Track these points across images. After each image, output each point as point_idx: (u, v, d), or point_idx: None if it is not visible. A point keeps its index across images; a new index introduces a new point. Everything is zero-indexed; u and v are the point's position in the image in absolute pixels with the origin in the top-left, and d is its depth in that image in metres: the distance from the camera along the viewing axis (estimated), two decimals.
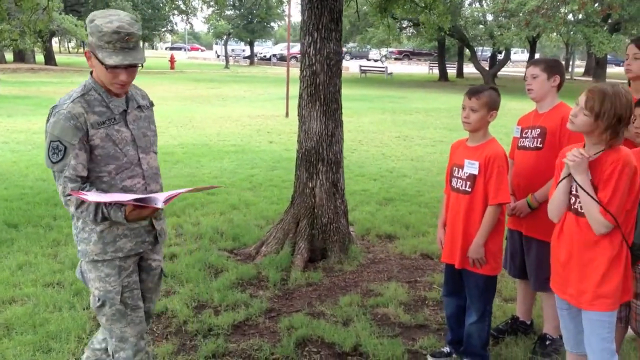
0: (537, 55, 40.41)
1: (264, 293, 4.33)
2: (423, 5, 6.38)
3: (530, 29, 22.50)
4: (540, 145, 3.31)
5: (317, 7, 4.75)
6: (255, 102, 19.64)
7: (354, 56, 55.68)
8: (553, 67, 3.32)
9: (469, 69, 39.78)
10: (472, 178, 3.11)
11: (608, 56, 30.72)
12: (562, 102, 3.38)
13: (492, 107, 3.12)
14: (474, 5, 30.66)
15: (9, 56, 39.85)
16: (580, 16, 23.54)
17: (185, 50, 75.87)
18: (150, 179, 2.57)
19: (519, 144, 3.48)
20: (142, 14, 43.93)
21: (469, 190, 3.13)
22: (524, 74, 3.55)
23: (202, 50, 79.42)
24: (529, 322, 3.78)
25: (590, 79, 32.03)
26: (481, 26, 29.98)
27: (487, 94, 3.11)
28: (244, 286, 4.44)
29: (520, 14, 21.70)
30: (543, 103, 3.38)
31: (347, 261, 4.94)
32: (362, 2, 6.76)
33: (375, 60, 52.05)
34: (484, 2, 29.95)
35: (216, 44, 62.44)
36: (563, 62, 53.36)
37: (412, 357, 3.45)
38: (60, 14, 26.34)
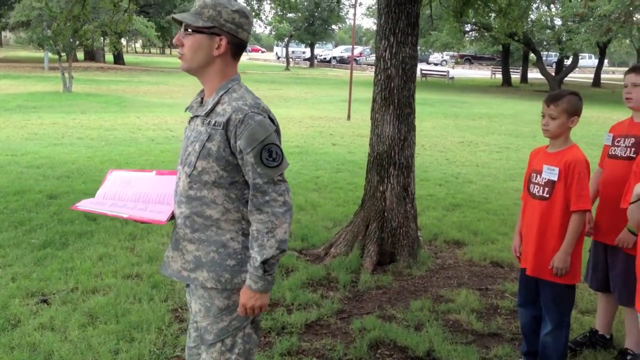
0: (606, 62, 39.03)
1: (335, 294, 4.37)
2: (498, 9, 6.31)
3: (602, 34, 21.79)
4: (634, 155, 3.20)
5: (394, 11, 4.76)
6: (317, 104, 19.79)
7: None
8: None
9: (533, 74, 38.80)
10: (551, 184, 3.07)
11: None
12: None
13: (573, 112, 3.06)
14: (541, 10, 29.92)
15: (79, 55, 41.56)
16: None
17: (246, 51, 77.06)
18: (175, 197, 2.25)
19: (610, 153, 3.38)
20: None
21: (547, 196, 3.08)
22: (623, 81, 3.42)
23: (262, 52, 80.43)
24: (608, 337, 3.67)
25: None
26: (549, 31, 29.20)
27: (566, 99, 3.06)
28: (315, 286, 4.49)
29: (591, 19, 21.03)
30: None
31: (416, 266, 4.93)
32: (435, 6, 6.72)
33: (436, 64, 51.50)
34: (552, 6, 29.18)
35: (277, 45, 63.19)
36: None
37: None
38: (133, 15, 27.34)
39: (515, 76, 37.38)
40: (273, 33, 49.73)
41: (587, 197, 3.03)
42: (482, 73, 46.92)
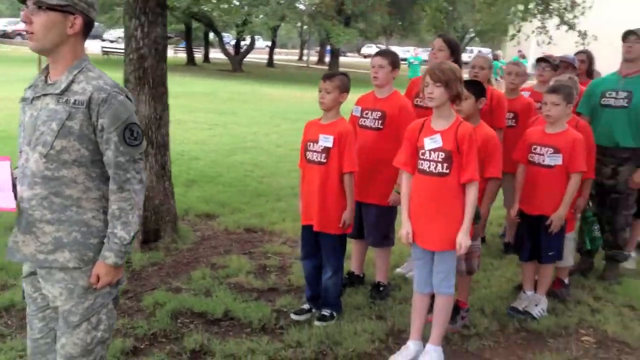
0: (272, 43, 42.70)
1: None
2: None
3: (278, 19, 24.02)
4: (381, 127, 3.97)
5: None
6: None
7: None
8: (396, 61, 4.00)
9: (213, 54, 40.41)
10: (327, 150, 3.64)
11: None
12: (397, 90, 4.08)
13: (343, 89, 3.68)
14: None
15: None
16: (316, 9, 25.83)
17: None
18: (23, 179, 2.18)
19: (360, 123, 4.08)
20: None
21: (324, 161, 3.66)
22: (370, 62, 4.07)
23: None
24: (362, 275, 4.48)
25: (326, 67, 35.20)
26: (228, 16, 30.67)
27: (339, 77, 3.68)
28: None
29: (269, 5, 22.99)
30: (383, 89, 4.04)
31: (181, 240, 5.13)
32: None
33: (112, 42, 49.47)
34: None
35: None
36: (298, 51, 57.42)
37: (278, 315, 3.88)
38: None
39: (198, 55, 38.40)
40: None
41: (354, 160, 3.68)
42: None
